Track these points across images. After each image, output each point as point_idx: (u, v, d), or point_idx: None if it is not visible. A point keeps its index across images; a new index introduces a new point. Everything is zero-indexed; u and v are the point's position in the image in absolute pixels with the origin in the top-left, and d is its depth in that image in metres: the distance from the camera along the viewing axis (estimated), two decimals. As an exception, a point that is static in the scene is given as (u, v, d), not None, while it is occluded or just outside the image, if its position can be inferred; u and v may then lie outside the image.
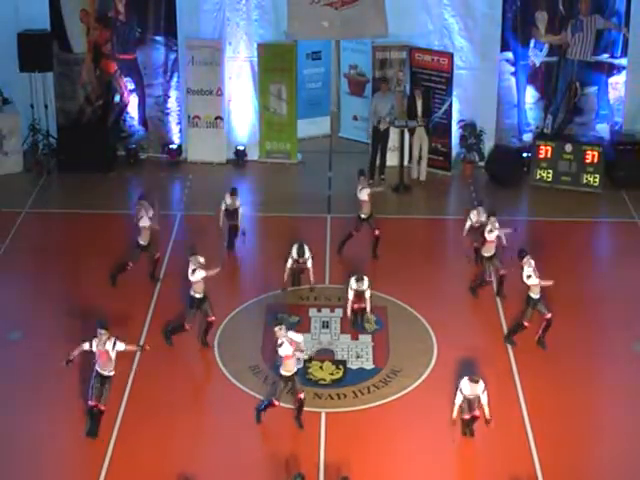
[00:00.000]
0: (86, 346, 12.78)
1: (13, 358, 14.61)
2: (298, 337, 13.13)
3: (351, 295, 15.02)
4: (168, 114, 21.15)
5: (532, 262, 14.43)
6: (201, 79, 20.71)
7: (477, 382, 12.47)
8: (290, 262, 15.71)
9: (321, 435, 12.96)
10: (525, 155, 20.41)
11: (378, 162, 20.24)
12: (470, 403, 12.67)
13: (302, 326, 15.11)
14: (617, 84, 20.37)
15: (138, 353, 13.83)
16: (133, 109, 21.16)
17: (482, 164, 20.68)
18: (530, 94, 20.66)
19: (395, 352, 14.71)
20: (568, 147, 19.91)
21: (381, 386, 13.97)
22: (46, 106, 20.61)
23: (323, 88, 22.33)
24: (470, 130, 20.55)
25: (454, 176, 20.44)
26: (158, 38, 20.74)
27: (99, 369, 12.84)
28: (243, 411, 13.52)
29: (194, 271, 14.28)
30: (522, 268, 14.40)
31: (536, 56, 20.41)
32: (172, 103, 21.09)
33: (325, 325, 15.35)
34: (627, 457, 12.67)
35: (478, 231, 16.25)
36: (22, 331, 15.18)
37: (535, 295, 14.45)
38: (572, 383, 14.00)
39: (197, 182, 20.17)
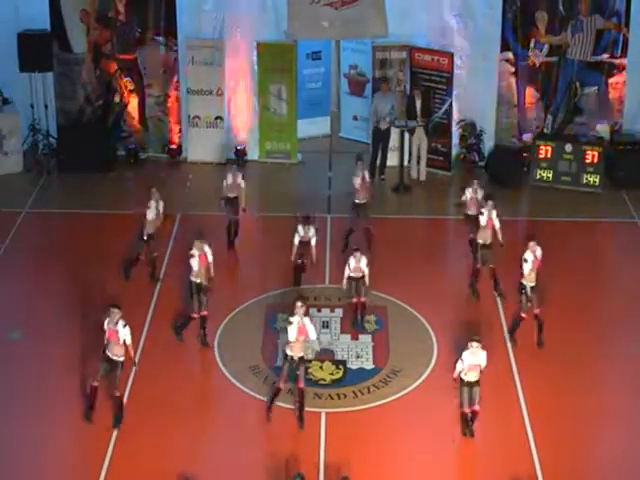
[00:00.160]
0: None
1: (13, 358, 14.60)
2: (312, 332, 13.05)
3: (297, 241, 15.43)
4: (168, 114, 21.15)
5: (537, 249, 14.42)
6: (201, 79, 20.71)
7: (478, 342, 12.50)
8: (297, 238, 15.75)
9: (321, 435, 12.96)
10: (525, 155, 20.41)
11: (378, 162, 20.25)
12: (471, 394, 12.67)
13: (302, 326, 15.08)
14: (617, 84, 20.38)
15: (133, 359, 13.64)
16: (133, 109, 21.16)
17: (482, 164, 20.68)
18: (530, 94, 20.66)
19: (395, 352, 14.71)
20: (568, 147, 19.91)
21: (381, 386, 13.97)
22: (46, 106, 20.62)
23: (323, 88, 22.33)
24: (470, 130, 20.55)
25: (454, 176, 20.43)
26: (158, 38, 20.74)
27: (109, 353, 12.81)
28: (243, 411, 13.53)
29: (192, 256, 14.34)
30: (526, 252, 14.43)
31: (536, 56, 20.42)
32: (172, 103, 21.09)
33: (325, 325, 15.35)
34: (627, 457, 12.67)
35: (475, 222, 16.18)
36: (22, 331, 15.18)
37: (526, 282, 14.44)
38: (572, 383, 14.01)
39: (197, 182, 20.17)
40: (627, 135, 20.42)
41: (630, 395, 13.84)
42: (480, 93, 20.48)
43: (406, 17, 20.02)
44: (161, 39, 20.73)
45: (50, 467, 12.50)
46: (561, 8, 20.09)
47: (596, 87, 20.45)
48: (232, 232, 17.34)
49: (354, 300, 15.20)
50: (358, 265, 14.91)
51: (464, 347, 12.69)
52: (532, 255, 14.48)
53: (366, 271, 14.96)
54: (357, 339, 15.02)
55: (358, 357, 14.61)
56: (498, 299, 15.89)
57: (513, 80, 20.59)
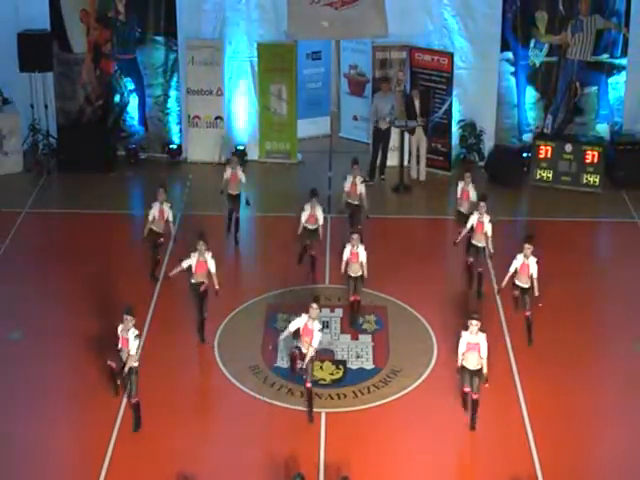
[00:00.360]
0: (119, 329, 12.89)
1: (13, 358, 14.60)
2: (316, 340, 13.05)
3: (304, 218, 15.93)
4: (168, 114, 21.16)
5: (531, 256, 14.41)
6: (201, 79, 20.72)
7: (478, 320, 12.54)
8: (304, 216, 15.89)
9: (321, 435, 12.97)
10: (525, 155, 20.41)
11: (379, 162, 20.25)
12: (472, 377, 12.70)
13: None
14: (617, 84, 20.38)
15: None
16: (133, 109, 21.17)
17: (482, 164, 20.69)
18: (530, 94, 20.67)
19: (395, 352, 14.71)
20: (568, 147, 19.91)
21: (381, 386, 13.97)
22: (46, 106, 20.61)
23: (323, 88, 22.33)
24: (470, 130, 20.55)
25: (454, 176, 20.41)
26: (158, 38, 20.75)
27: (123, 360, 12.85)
28: (243, 411, 13.54)
29: (188, 257, 14.43)
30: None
31: (536, 56, 20.42)
32: (172, 103, 21.09)
33: (325, 325, 15.34)
34: (627, 457, 12.67)
35: (464, 221, 16.16)
36: (22, 331, 15.18)
37: (519, 283, 14.46)
38: (572, 383, 14.01)
39: (197, 182, 20.17)
40: (627, 135, 20.42)
41: (630, 395, 13.84)
42: (480, 93, 20.49)
43: (406, 17, 20.02)
44: (161, 39, 20.74)
45: (50, 467, 12.50)
46: (561, 8, 20.09)
47: (596, 87, 20.45)
48: (233, 228, 17.36)
49: (351, 299, 15.19)
50: (355, 251, 14.82)
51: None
52: (522, 258, 14.40)
53: (364, 260, 14.89)
54: (357, 339, 15.02)
55: (358, 357, 14.61)
56: (498, 298, 15.86)
57: (513, 80, 20.59)
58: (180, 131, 21.19)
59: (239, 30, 20.63)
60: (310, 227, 16.13)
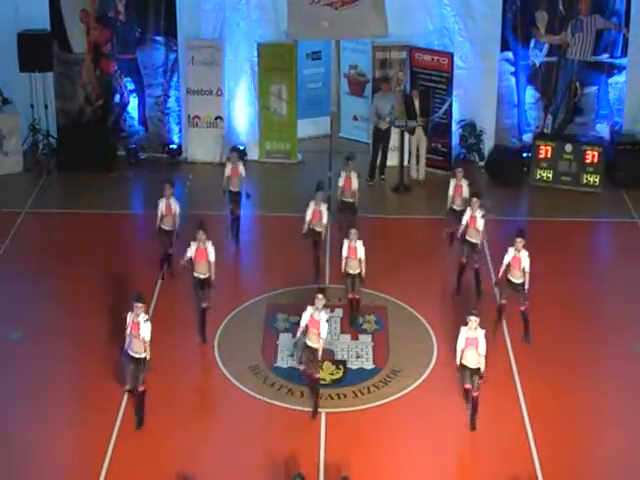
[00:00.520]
0: (127, 330, 12.91)
1: (13, 358, 14.60)
2: (324, 330, 13.08)
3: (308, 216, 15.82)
4: (168, 114, 21.16)
5: (523, 249, 14.34)
6: (201, 79, 20.71)
7: (477, 316, 12.55)
8: (309, 213, 15.86)
9: (321, 435, 12.97)
10: (525, 155, 20.41)
11: (379, 162, 20.25)
12: (472, 377, 12.71)
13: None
14: (617, 84, 20.38)
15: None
16: (133, 109, 21.17)
17: (482, 164, 20.69)
18: (530, 94, 20.67)
19: (395, 352, 14.71)
20: (568, 147, 19.91)
21: (381, 386, 13.97)
22: (46, 106, 20.61)
23: (323, 88, 22.32)
24: (470, 130, 20.55)
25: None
26: (158, 38, 20.74)
27: (130, 351, 12.87)
28: (243, 411, 13.54)
29: (189, 246, 14.47)
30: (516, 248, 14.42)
31: (536, 56, 20.42)
32: (172, 103, 21.09)
33: (325, 325, 15.34)
34: (627, 457, 12.68)
35: (458, 218, 16.15)
36: (22, 331, 15.18)
37: (512, 278, 14.46)
38: (572, 383, 14.01)
39: (197, 182, 20.17)
40: (627, 135, 20.41)
41: (630, 395, 13.85)
42: (480, 93, 20.49)
43: (406, 17, 20.02)
44: (161, 39, 20.73)
45: (50, 467, 12.50)
46: (561, 8, 20.09)
47: (596, 87, 20.45)
48: (235, 228, 17.35)
49: (349, 296, 15.18)
50: (353, 246, 14.78)
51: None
52: (513, 251, 14.38)
53: (363, 256, 14.84)
54: (357, 339, 15.02)
55: (358, 357, 14.61)
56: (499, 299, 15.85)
57: (513, 80, 20.59)
58: (180, 131, 21.19)
59: (239, 30, 20.63)
60: (317, 229, 15.97)
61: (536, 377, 14.09)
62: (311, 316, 13.07)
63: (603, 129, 20.65)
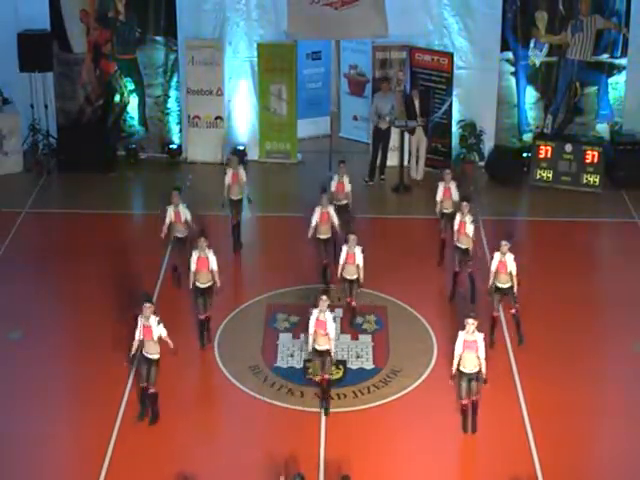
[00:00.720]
0: (137, 335, 12.89)
1: (13, 358, 14.60)
2: (332, 330, 13.13)
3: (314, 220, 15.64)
4: (168, 114, 21.16)
5: (508, 252, 14.28)
6: (201, 79, 20.71)
7: (474, 318, 12.52)
8: (316, 216, 15.74)
9: (321, 435, 12.97)
10: (525, 155, 20.41)
11: (379, 162, 20.24)
12: (469, 383, 12.69)
13: (302, 326, 15.10)
14: (617, 84, 20.38)
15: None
16: (133, 109, 21.17)
17: (482, 164, 20.69)
18: (530, 94, 20.67)
19: (395, 352, 14.71)
20: (568, 147, 19.91)
21: (381, 386, 13.97)
22: (46, 106, 20.62)
23: (323, 88, 22.32)
24: (470, 130, 20.55)
25: (454, 176, 20.37)
26: (158, 38, 20.74)
27: (145, 353, 12.92)
28: (243, 411, 13.54)
29: (190, 256, 14.46)
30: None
31: (536, 56, 20.42)
32: (172, 103, 21.09)
33: (325, 325, 15.33)
34: (627, 457, 12.67)
35: (449, 221, 16.15)
36: (22, 331, 15.18)
37: (498, 284, 14.42)
38: (572, 383, 14.00)
39: (197, 182, 20.16)
40: (627, 135, 20.40)
41: (631, 395, 13.84)
42: (480, 93, 20.48)
43: (406, 17, 20.00)
44: (161, 39, 20.73)
45: (50, 467, 12.50)
46: (561, 8, 20.08)
47: (596, 87, 20.45)
48: (236, 235, 17.28)
49: (347, 300, 15.19)
50: (352, 252, 14.73)
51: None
52: (499, 255, 14.36)
53: (361, 263, 14.79)
54: (357, 339, 15.01)
55: (358, 357, 14.61)
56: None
57: (513, 80, 20.59)
58: (180, 131, 21.19)
59: (239, 30, 20.62)
60: (322, 236, 15.88)
61: (536, 377, 14.08)
62: (317, 318, 13.06)
63: (603, 129, 20.64)
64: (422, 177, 20.35)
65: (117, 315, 15.38)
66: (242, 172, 17.03)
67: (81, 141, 20.42)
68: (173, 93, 21.04)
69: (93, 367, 14.22)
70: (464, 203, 15.50)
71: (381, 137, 20.14)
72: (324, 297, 13.11)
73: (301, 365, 14.34)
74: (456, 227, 15.50)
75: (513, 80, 20.58)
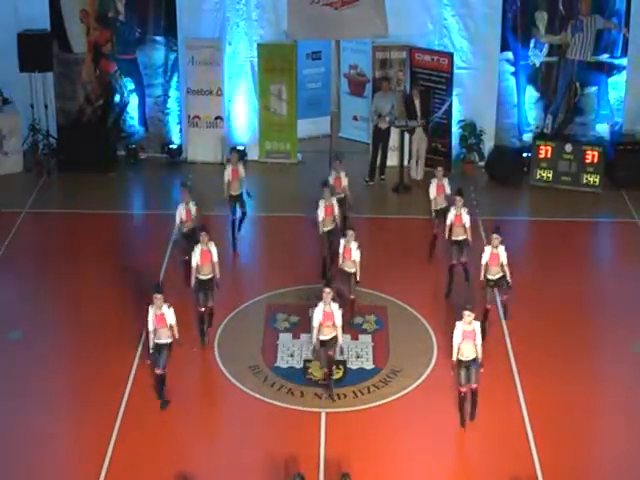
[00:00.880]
0: (150, 327, 13.05)
1: (13, 358, 14.60)
2: (338, 319, 13.20)
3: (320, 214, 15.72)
4: (168, 114, 21.16)
5: (499, 245, 14.33)
6: (201, 79, 20.71)
7: (470, 310, 12.57)
8: (321, 212, 15.76)
9: (321, 435, 12.96)
10: (525, 155, 20.41)
11: (379, 162, 20.24)
12: (468, 370, 12.73)
13: (302, 326, 15.12)
14: (617, 84, 20.38)
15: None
16: (133, 109, 21.17)
17: (482, 164, 20.69)
18: (530, 94, 20.67)
19: (395, 352, 14.71)
20: (568, 147, 19.91)
21: (381, 386, 13.97)
22: (46, 106, 20.61)
23: (323, 88, 22.32)
24: (470, 130, 20.55)
25: (454, 176, 20.39)
26: (158, 38, 20.75)
27: (158, 340, 13.08)
28: (243, 411, 13.54)
29: (194, 251, 14.43)
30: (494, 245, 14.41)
31: (536, 56, 20.42)
32: (172, 103, 21.09)
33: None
34: (627, 457, 12.67)
35: (443, 216, 16.19)
36: (22, 331, 15.18)
37: (489, 276, 14.45)
38: (572, 383, 14.00)
39: (197, 182, 20.15)
40: (627, 135, 20.40)
41: (631, 395, 13.84)
42: (480, 93, 20.48)
43: (406, 17, 20.01)
44: (161, 39, 20.74)
45: (50, 467, 12.50)
46: (561, 8, 20.08)
47: (596, 87, 20.45)
48: (236, 232, 17.27)
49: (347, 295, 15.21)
50: (349, 247, 14.75)
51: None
52: (490, 248, 14.39)
53: (357, 259, 14.80)
54: (357, 339, 15.01)
55: (358, 357, 14.61)
56: (499, 299, 15.84)
57: (513, 80, 20.59)
58: (180, 131, 21.19)
59: (239, 30, 20.63)
60: (327, 229, 15.90)
61: (536, 376, 14.08)
62: (323, 310, 13.12)
63: (603, 129, 20.65)
64: (422, 177, 20.34)
65: (117, 315, 15.39)
66: (242, 168, 17.06)
67: (81, 141, 20.43)
68: (173, 93, 21.05)
69: (93, 367, 14.22)
70: (457, 197, 15.58)
71: (381, 137, 20.14)
72: (327, 289, 13.20)
73: (301, 365, 14.34)
74: (451, 220, 15.55)
75: (513, 80, 20.58)
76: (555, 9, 20.10)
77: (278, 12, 20.21)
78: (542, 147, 20.04)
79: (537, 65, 20.50)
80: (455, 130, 20.64)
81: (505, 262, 14.42)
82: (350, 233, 14.82)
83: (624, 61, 20.20)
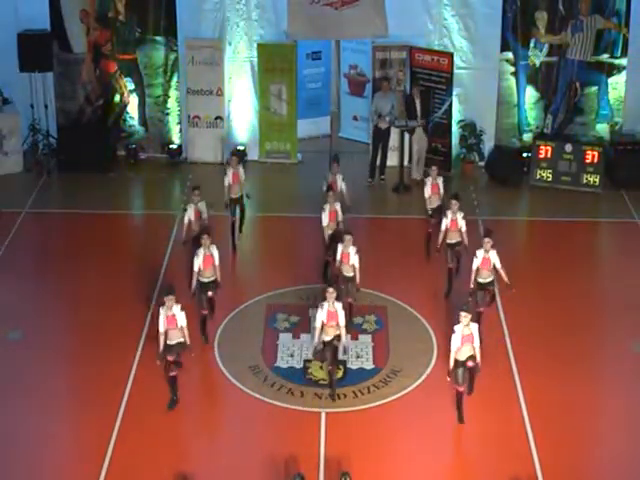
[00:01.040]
0: (161, 328, 13.09)
1: (13, 358, 14.60)
2: (342, 319, 13.25)
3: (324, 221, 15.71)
4: (168, 114, 21.15)
5: (491, 249, 14.32)
6: (201, 79, 20.71)
7: (467, 311, 12.62)
8: (325, 216, 15.77)
9: (321, 435, 12.96)
10: (525, 155, 20.41)
11: (378, 162, 20.24)
12: (465, 369, 12.76)
13: (302, 326, 15.12)
14: (617, 84, 20.38)
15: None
16: (133, 109, 21.17)
17: (482, 164, 20.69)
18: (530, 94, 20.66)
19: (395, 352, 14.71)
20: (568, 147, 19.91)
21: (381, 386, 13.97)
22: (46, 106, 20.61)
23: (323, 88, 22.32)
24: (470, 130, 20.54)
25: (454, 176, 20.41)
26: (158, 38, 20.74)
27: (169, 341, 13.13)
28: (243, 411, 13.54)
29: (196, 255, 14.45)
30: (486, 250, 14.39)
31: (536, 56, 20.42)
32: (172, 103, 21.08)
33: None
34: (627, 457, 12.67)
35: (438, 215, 16.21)
36: (22, 331, 15.18)
37: (480, 279, 14.45)
38: (572, 383, 14.00)
39: (197, 182, 20.10)
40: (627, 135, 20.40)
41: (631, 395, 13.85)
42: (480, 93, 20.47)
43: (406, 17, 20.00)
44: (161, 39, 20.73)
45: (50, 467, 12.50)
46: (561, 8, 20.08)
47: (596, 87, 20.44)
48: (235, 234, 17.25)
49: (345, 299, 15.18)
50: (347, 252, 14.70)
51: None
52: (482, 252, 14.37)
53: (356, 263, 14.75)
54: (357, 339, 15.01)
55: (358, 357, 14.61)
56: (499, 299, 15.86)
57: (513, 80, 20.59)
58: (180, 131, 21.19)
59: (239, 30, 20.62)
60: (330, 232, 15.82)
61: (536, 376, 14.08)
62: (328, 310, 13.14)
63: (603, 129, 20.64)
64: (422, 177, 20.32)
65: (117, 315, 15.39)
66: (242, 171, 17.09)
67: (81, 141, 20.42)
68: (173, 93, 21.04)
69: (93, 367, 14.22)
70: (453, 201, 15.56)
71: (381, 137, 20.13)
72: (330, 289, 13.25)
73: (301, 365, 14.34)
74: (446, 225, 15.52)
75: (513, 80, 20.58)
76: (555, 9, 20.10)
77: (278, 12, 20.21)
78: (542, 147, 20.04)
79: (537, 65, 20.49)
80: (455, 130, 20.63)
81: (499, 265, 14.40)
82: (347, 238, 14.75)
83: (624, 61, 20.20)
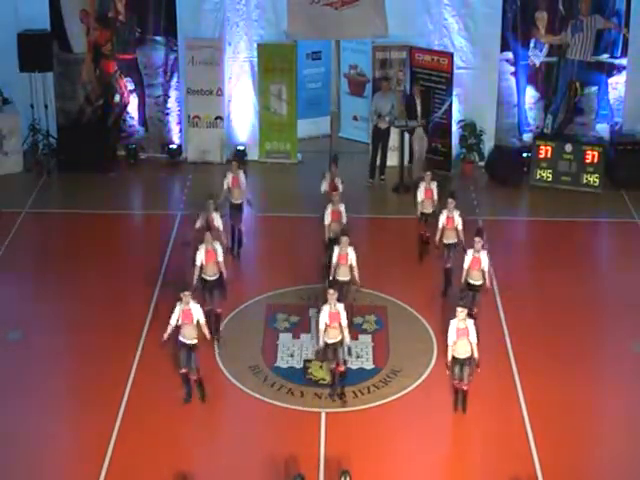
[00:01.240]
0: (173, 321, 13.14)
1: (13, 358, 14.60)
2: (344, 319, 13.24)
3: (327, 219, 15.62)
4: (168, 114, 21.16)
5: (481, 249, 14.31)
6: (201, 79, 20.71)
7: (462, 307, 12.64)
8: (328, 216, 15.74)
9: (321, 435, 12.96)
10: (525, 155, 20.41)
11: (378, 162, 20.24)
12: (462, 367, 12.79)
13: (302, 326, 15.13)
14: (617, 84, 20.38)
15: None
16: (133, 109, 21.17)
17: (482, 164, 20.69)
18: (530, 94, 20.66)
19: (395, 352, 14.71)
20: (568, 147, 19.91)
21: (381, 386, 13.97)
22: (46, 106, 20.61)
23: (323, 88, 22.32)
24: (470, 130, 20.54)
25: (454, 176, 20.42)
26: (158, 38, 20.74)
27: (182, 339, 13.13)
28: (243, 411, 13.54)
29: (198, 250, 14.45)
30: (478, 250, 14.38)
31: (536, 56, 20.42)
32: (172, 103, 21.09)
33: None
34: (627, 457, 12.67)
35: (430, 220, 16.25)
36: (22, 331, 15.18)
37: (471, 280, 14.45)
38: (572, 383, 14.00)
39: (197, 182, 20.16)
40: (627, 135, 20.41)
41: (630, 395, 13.84)
42: (480, 93, 20.48)
43: (406, 17, 20.02)
44: (161, 39, 20.73)
45: (50, 467, 12.50)
46: (561, 8, 20.08)
47: (596, 87, 20.45)
48: (236, 241, 17.16)
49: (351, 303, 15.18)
50: (344, 253, 14.62)
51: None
52: (472, 252, 14.37)
53: (354, 263, 14.68)
54: (357, 339, 15.00)
55: (358, 357, 14.61)
56: (499, 299, 15.87)
57: (513, 80, 20.59)
58: (180, 131, 21.19)
59: (239, 30, 20.63)
60: (333, 236, 15.69)
61: (536, 376, 14.08)
62: (330, 312, 13.13)
63: (603, 129, 20.64)
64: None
65: (117, 315, 15.39)
66: (242, 176, 16.93)
67: (81, 141, 20.42)
68: (173, 93, 21.04)
69: (93, 367, 14.22)
70: (450, 200, 15.57)
71: (381, 137, 20.14)
72: (331, 290, 13.22)
73: (301, 365, 14.34)
74: (442, 224, 15.53)
75: (513, 80, 20.58)
76: (555, 9, 20.10)
77: (278, 12, 20.21)
78: (542, 147, 20.04)
79: (537, 65, 20.50)
80: (455, 130, 20.64)
81: (486, 268, 14.39)
82: (344, 239, 14.68)
83: (624, 61, 20.20)
